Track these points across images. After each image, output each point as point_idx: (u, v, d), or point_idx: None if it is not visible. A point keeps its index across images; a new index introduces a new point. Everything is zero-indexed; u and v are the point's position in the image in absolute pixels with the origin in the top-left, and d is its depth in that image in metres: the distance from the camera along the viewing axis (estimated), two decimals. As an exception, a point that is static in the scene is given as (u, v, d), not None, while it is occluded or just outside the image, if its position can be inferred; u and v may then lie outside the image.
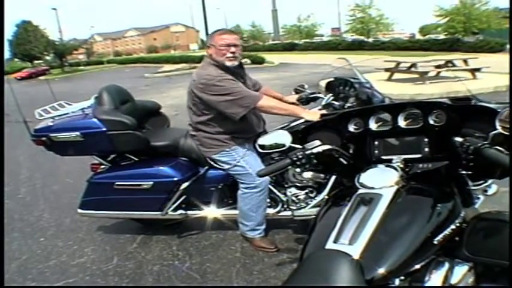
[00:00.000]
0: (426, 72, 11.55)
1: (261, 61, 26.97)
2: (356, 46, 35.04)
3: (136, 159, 3.48)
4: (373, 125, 1.97)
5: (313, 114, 2.74)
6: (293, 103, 3.44)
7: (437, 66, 11.68)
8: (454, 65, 11.54)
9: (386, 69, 12.66)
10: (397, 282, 1.39)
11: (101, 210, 3.53)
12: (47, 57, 51.53)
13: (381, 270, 1.33)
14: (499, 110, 1.61)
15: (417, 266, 1.42)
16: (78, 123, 3.32)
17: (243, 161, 3.11)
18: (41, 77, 39.69)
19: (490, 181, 1.93)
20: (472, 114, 1.77)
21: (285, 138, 2.06)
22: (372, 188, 1.63)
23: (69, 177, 5.53)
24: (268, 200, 3.30)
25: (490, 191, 1.95)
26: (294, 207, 3.29)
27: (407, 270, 1.40)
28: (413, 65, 11.93)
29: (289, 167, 1.82)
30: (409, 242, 1.42)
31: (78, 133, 3.25)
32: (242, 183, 3.16)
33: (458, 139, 1.59)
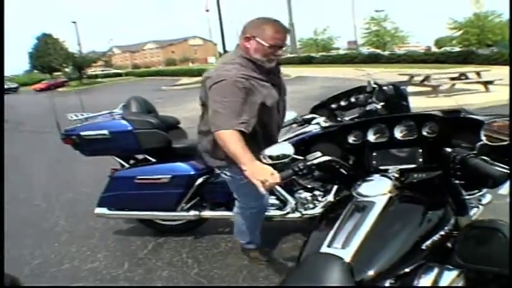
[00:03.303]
0: (439, 85, 11.54)
1: (278, 74, 27.11)
2: (372, 59, 34.96)
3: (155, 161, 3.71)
4: (371, 137, 2.05)
5: (260, 172, 2.10)
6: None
7: (451, 79, 11.68)
8: (467, 78, 11.53)
9: (400, 83, 12.66)
10: (387, 284, 1.47)
11: (120, 207, 3.75)
12: (66, 69, 52.39)
13: (371, 272, 1.41)
14: (485, 122, 1.69)
15: (407, 270, 1.50)
16: (107, 123, 3.65)
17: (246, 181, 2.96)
18: (60, 89, 40.39)
19: (484, 191, 2.00)
20: (462, 126, 1.85)
21: (288, 150, 2.14)
22: (367, 196, 1.71)
23: (84, 186, 5.65)
24: (277, 202, 3.42)
25: (484, 201, 2.02)
26: (302, 210, 3.37)
27: (396, 272, 1.48)
28: (427, 77, 11.92)
29: (294, 176, 1.94)
30: (399, 246, 1.50)
31: (106, 131, 3.55)
32: (239, 201, 3.09)
33: (448, 150, 1.67)
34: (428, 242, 1.53)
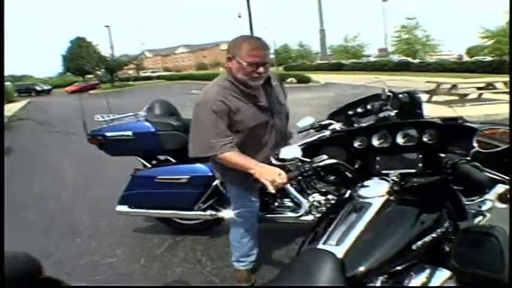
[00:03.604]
0: (466, 95, 11.38)
1: (307, 80, 27.16)
2: (402, 67, 34.66)
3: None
4: (375, 142, 2.13)
5: (268, 172, 2.21)
6: None
7: (478, 89, 11.51)
8: (494, 88, 11.35)
9: (427, 92, 12.55)
10: (378, 282, 1.53)
11: (140, 205, 3.89)
12: (98, 72, 53.63)
13: (362, 268, 1.48)
14: (478, 129, 1.74)
15: (398, 268, 1.57)
16: (131, 125, 3.83)
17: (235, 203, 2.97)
18: (91, 91, 41.29)
19: (485, 197, 2.04)
20: (459, 133, 1.90)
21: (295, 152, 2.23)
22: (364, 198, 1.79)
23: (109, 185, 5.80)
24: (291, 205, 3.50)
25: (484, 207, 2.05)
26: (316, 213, 3.43)
27: (386, 270, 1.54)
28: (454, 86, 11.78)
29: (300, 177, 2.04)
30: (390, 246, 1.56)
31: (130, 132, 3.73)
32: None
33: (443, 155, 1.72)
34: (419, 243, 1.59)
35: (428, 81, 12.98)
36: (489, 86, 11.48)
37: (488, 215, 2.09)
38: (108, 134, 3.79)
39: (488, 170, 1.58)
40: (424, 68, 32.21)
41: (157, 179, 3.71)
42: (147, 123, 3.75)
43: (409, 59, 41.78)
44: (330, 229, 1.67)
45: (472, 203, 1.99)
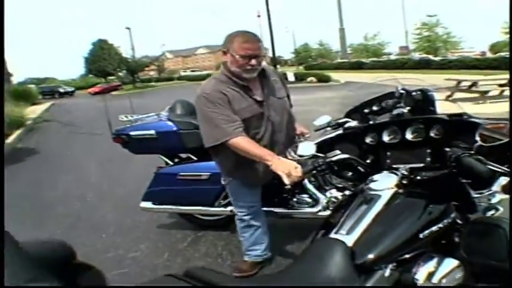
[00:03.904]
0: (487, 92, 11.28)
1: (327, 79, 27.14)
2: (423, 65, 34.34)
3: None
4: (386, 138, 2.23)
5: (284, 165, 2.31)
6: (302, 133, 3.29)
7: (499, 85, 11.39)
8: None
9: (448, 89, 12.48)
10: (388, 269, 1.63)
11: (163, 201, 4.05)
12: (120, 74, 54.22)
13: (371, 256, 1.58)
14: (480, 124, 1.83)
15: (406, 256, 1.66)
16: (154, 124, 3.99)
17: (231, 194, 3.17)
18: (113, 92, 41.88)
19: (492, 189, 2.12)
20: (464, 128, 1.99)
21: (310, 148, 2.35)
22: (374, 190, 1.89)
23: (133, 183, 5.93)
24: (309, 201, 3.59)
25: (494, 200, 2.13)
26: (332, 208, 3.52)
27: (394, 258, 1.64)
28: (474, 83, 11.69)
29: (314, 171, 2.16)
30: (398, 235, 1.66)
31: (153, 131, 3.89)
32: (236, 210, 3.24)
33: (447, 149, 1.82)
34: (426, 232, 1.69)
35: (447, 79, 12.91)
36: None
37: (501, 208, 2.17)
38: (132, 133, 3.95)
39: (490, 163, 1.67)
40: (445, 65, 31.87)
41: (180, 176, 3.86)
42: (170, 123, 3.90)
43: (430, 57, 41.33)
44: (342, 220, 1.78)
45: (480, 196, 2.08)
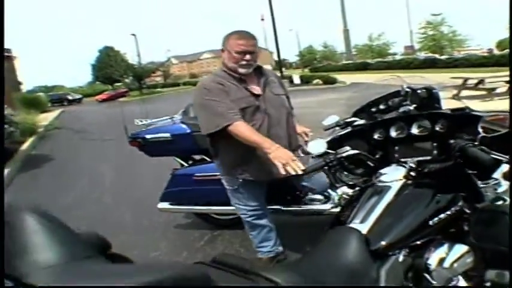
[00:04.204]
0: (494, 89, 11.32)
1: (333, 81, 27.18)
2: (428, 64, 34.25)
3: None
4: (393, 133, 2.37)
5: (282, 155, 2.45)
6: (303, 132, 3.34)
7: (506, 82, 11.43)
8: (524, 80, 11.24)
9: (454, 87, 12.51)
10: (401, 255, 1.76)
11: (180, 202, 4.18)
12: (126, 80, 54.60)
13: (383, 242, 1.71)
14: (482, 116, 1.97)
15: (418, 242, 1.80)
16: (169, 127, 4.18)
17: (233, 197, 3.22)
18: (121, 99, 42.14)
19: (494, 177, 2.24)
20: (467, 121, 2.13)
21: (321, 145, 2.49)
22: (384, 182, 2.03)
23: (147, 187, 6.07)
24: (321, 198, 3.70)
25: (500, 189, 2.26)
26: (344, 204, 3.64)
27: (406, 243, 1.77)
28: (481, 81, 11.72)
29: (325, 167, 2.29)
30: (408, 222, 1.80)
31: (168, 134, 4.07)
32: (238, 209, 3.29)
33: (452, 141, 1.96)
34: (435, 219, 1.82)
35: (454, 77, 12.94)
36: (516, 80, 11.38)
37: (508, 198, 2.29)
38: (148, 136, 4.11)
39: (493, 152, 1.80)
40: (452, 64, 31.77)
41: (195, 176, 3.96)
42: (184, 125, 4.06)
43: (436, 56, 41.25)
44: (355, 211, 1.92)
45: (487, 185, 2.21)
